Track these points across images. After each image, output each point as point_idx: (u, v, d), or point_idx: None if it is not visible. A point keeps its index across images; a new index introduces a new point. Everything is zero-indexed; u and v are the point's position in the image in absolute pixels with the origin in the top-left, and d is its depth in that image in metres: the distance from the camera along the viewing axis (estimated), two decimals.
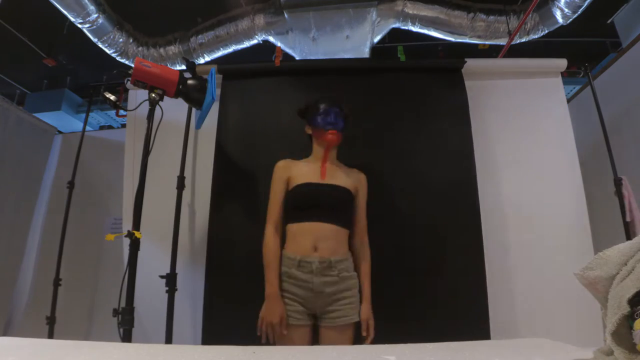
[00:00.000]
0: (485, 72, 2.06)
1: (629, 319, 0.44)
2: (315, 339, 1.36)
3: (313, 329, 1.36)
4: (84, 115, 3.25)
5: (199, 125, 1.71)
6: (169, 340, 1.65)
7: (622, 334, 0.44)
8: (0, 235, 2.60)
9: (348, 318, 1.33)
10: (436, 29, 3.16)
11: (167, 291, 1.68)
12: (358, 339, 1.35)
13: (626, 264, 0.49)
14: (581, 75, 2.18)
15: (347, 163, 1.58)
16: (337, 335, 1.32)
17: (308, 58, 3.21)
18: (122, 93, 4.32)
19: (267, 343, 1.29)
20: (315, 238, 1.35)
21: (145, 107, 1.41)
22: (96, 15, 2.98)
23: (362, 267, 1.43)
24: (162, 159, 1.85)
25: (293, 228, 1.40)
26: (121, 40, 3.26)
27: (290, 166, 1.47)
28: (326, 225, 1.36)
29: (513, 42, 3.09)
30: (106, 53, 3.32)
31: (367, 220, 1.50)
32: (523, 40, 3.23)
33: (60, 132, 3.28)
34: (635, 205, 1.97)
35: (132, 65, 1.42)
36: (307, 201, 1.39)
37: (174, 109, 1.77)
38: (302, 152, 1.58)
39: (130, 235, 1.25)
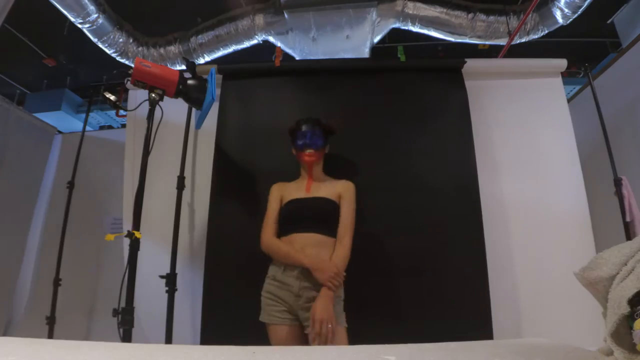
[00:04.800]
0: (485, 72, 2.06)
1: (629, 319, 0.44)
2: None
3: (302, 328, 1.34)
4: (84, 115, 3.25)
5: (198, 125, 1.71)
6: (168, 340, 1.65)
7: (622, 334, 0.44)
8: (0, 235, 2.60)
9: None
10: (436, 29, 3.16)
11: (167, 291, 1.68)
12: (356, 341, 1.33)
13: (626, 264, 0.49)
14: (581, 75, 2.19)
15: (347, 162, 1.57)
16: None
17: (308, 58, 3.20)
18: (122, 93, 4.33)
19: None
20: (298, 247, 1.37)
21: (145, 107, 1.41)
22: (96, 15, 2.98)
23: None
24: (162, 159, 1.85)
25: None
26: (121, 40, 3.26)
27: (283, 187, 1.54)
28: (310, 235, 1.39)
29: (513, 42, 3.09)
30: (106, 53, 3.32)
31: (353, 224, 1.42)
32: (523, 40, 3.23)
33: (60, 132, 3.28)
34: (635, 205, 1.96)
35: (132, 65, 1.42)
36: (292, 215, 1.45)
37: (174, 109, 1.77)
38: None
39: (130, 235, 1.25)
